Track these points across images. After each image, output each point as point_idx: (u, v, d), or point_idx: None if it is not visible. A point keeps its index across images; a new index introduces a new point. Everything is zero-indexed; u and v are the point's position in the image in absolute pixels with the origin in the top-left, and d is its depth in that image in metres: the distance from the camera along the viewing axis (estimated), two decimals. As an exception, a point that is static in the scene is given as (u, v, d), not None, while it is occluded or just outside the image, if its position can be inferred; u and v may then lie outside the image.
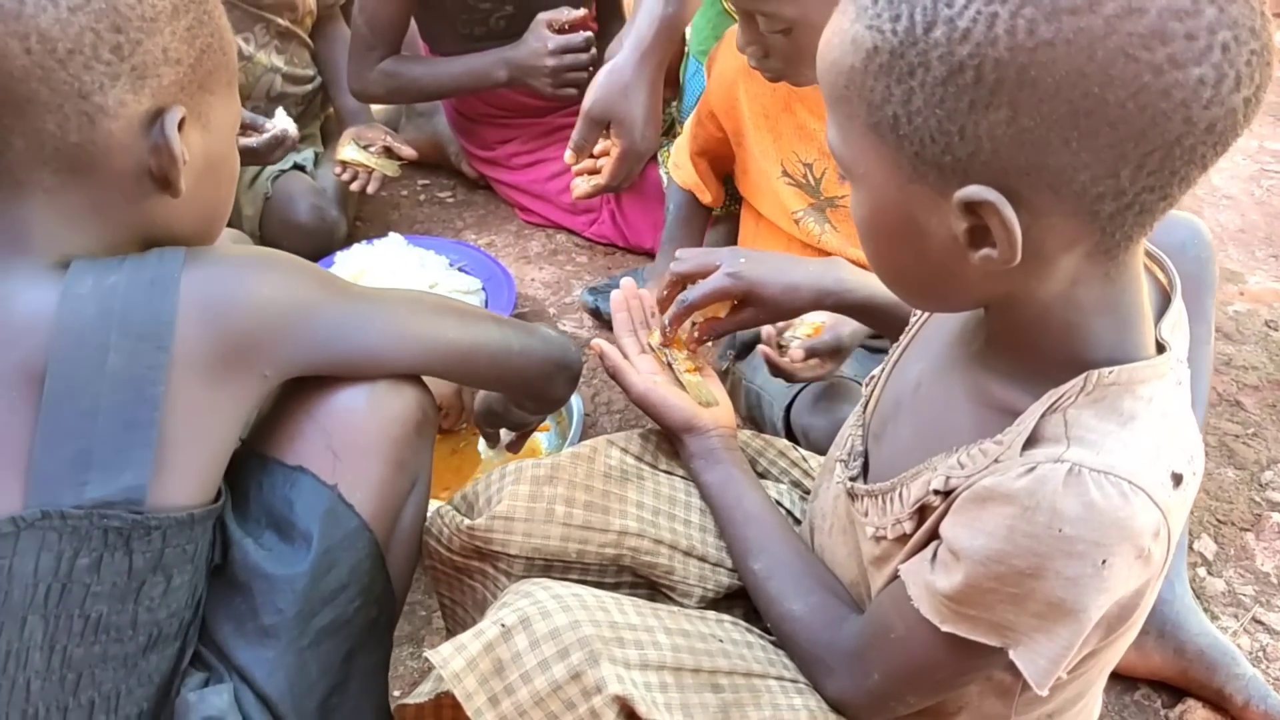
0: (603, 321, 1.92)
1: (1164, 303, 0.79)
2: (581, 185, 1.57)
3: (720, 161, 1.60)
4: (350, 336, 0.93)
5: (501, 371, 1.09)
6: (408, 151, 2.04)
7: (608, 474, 1.06)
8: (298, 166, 2.05)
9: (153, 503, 0.81)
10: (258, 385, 0.88)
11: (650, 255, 2.09)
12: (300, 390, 0.95)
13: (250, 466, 0.94)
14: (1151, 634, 1.30)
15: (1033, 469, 0.70)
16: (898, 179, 0.69)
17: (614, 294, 1.28)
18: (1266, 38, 0.62)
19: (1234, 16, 0.60)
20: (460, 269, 1.94)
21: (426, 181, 2.33)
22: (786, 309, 1.17)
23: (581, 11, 1.93)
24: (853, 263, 1.49)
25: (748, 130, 1.49)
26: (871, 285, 1.16)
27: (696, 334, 1.17)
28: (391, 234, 1.96)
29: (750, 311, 1.17)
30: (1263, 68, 0.62)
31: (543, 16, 1.92)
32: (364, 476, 0.94)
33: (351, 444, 0.93)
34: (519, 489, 1.02)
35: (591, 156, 1.59)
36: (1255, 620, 1.42)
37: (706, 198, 1.63)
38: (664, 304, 1.20)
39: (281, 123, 1.71)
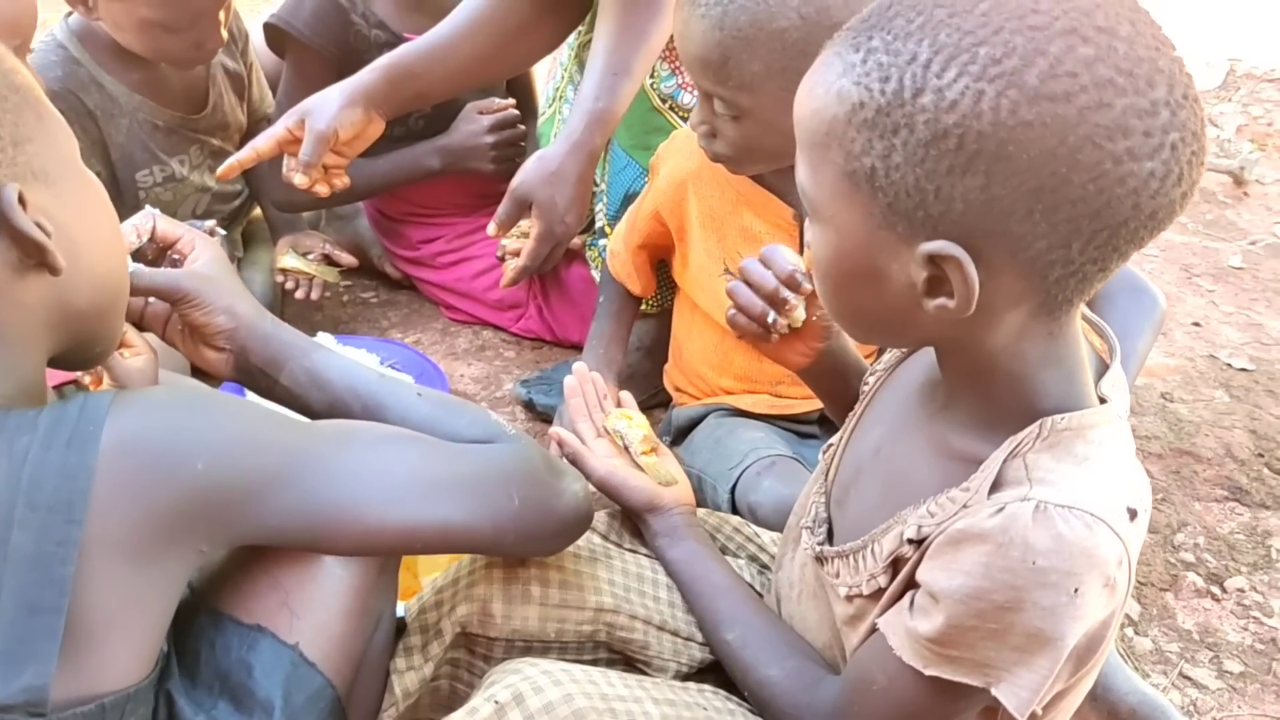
0: (535, 414, 1.94)
1: (1102, 368, 0.86)
2: (507, 271, 1.61)
3: (658, 252, 1.65)
4: (314, 517, 0.82)
5: (501, 550, 0.99)
6: (347, 259, 2.06)
7: (577, 554, 1.08)
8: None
9: (60, 697, 0.69)
10: (194, 559, 0.78)
11: (577, 349, 2.12)
12: None
13: (200, 623, 0.85)
14: (1085, 698, 1.35)
15: (1001, 509, 0.74)
16: (866, 225, 0.74)
17: (567, 380, 1.31)
18: (1204, 141, 0.70)
19: (1183, 120, 0.68)
20: (392, 366, 1.95)
21: (349, 283, 2.34)
22: None
23: (510, 101, 2.03)
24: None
25: (692, 229, 1.54)
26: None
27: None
28: (321, 334, 1.95)
29: None
30: (1198, 167, 0.70)
31: (472, 104, 2.00)
32: (325, 631, 0.86)
33: (311, 601, 0.85)
34: (493, 573, 1.03)
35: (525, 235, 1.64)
36: (1183, 675, 1.49)
37: (636, 289, 1.67)
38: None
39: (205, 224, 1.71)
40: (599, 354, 1.65)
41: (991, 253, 0.70)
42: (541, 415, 1.93)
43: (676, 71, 1.70)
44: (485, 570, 1.03)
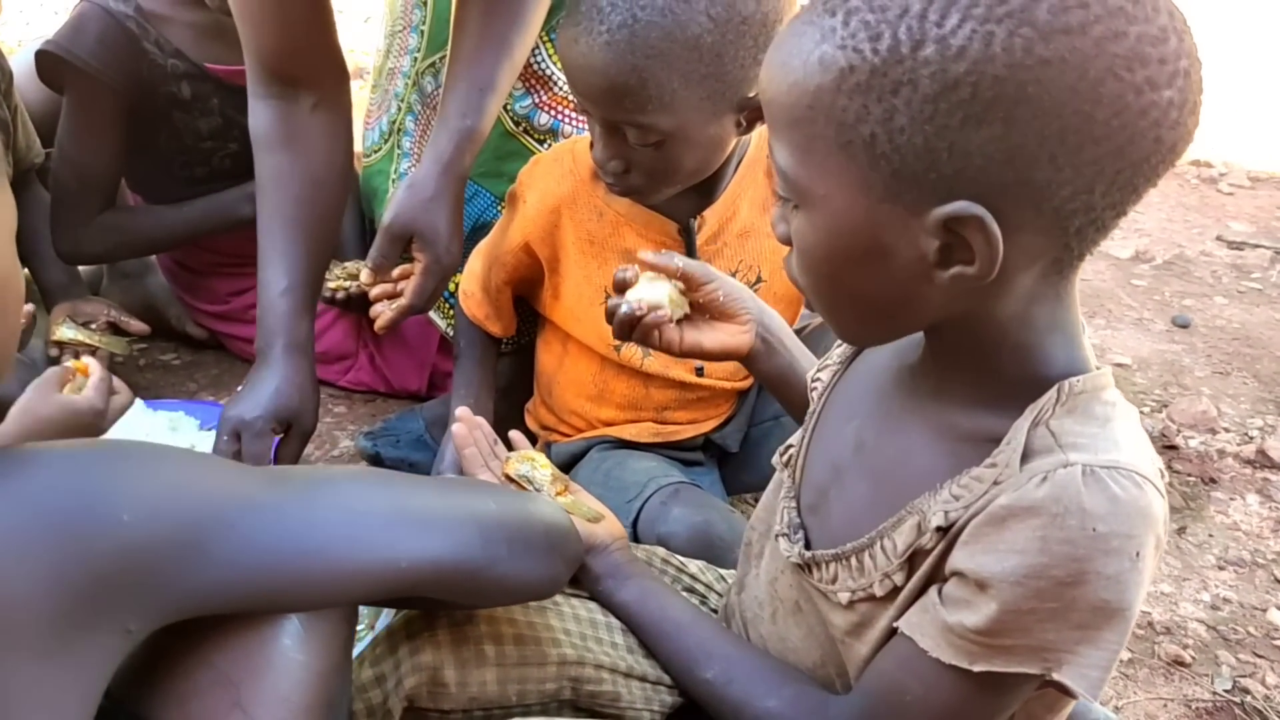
0: (384, 467, 1.78)
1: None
2: (386, 313, 1.46)
3: (522, 287, 1.55)
4: (269, 565, 0.68)
5: (482, 594, 0.83)
6: (138, 325, 1.83)
7: (525, 605, 0.96)
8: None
9: None
10: (119, 644, 0.63)
11: (414, 398, 1.99)
12: (188, 627, 0.68)
13: None
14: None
15: (1045, 478, 0.70)
16: (866, 199, 0.69)
17: (457, 429, 1.18)
18: (1201, 69, 0.68)
19: (1189, 46, 0.66)
20: (212, 430, 1.74)
21: (144, 345, 2.10)
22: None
23: None
24: (674, 382, 1.50)
25: (568, 257, 1.45)
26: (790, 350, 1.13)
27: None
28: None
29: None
30: (1201, 95, 0.68)
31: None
32: None
33: (267, 696, 0.69)
34: (439, 635, 0.90)
35: (389, 281, 1.49)
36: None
37: (496, 329, 1.57)
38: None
39: None
40: (469, 405, 1.52)
41: (1012, 208, 0.66)
42: (390, 468, 1.78)
43: (531, 91, 1.62)
44: (429, 635, 0.90)
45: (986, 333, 0.74)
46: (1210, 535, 1.84)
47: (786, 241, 0.77)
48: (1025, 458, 0.72)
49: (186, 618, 0.66)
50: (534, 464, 1.14)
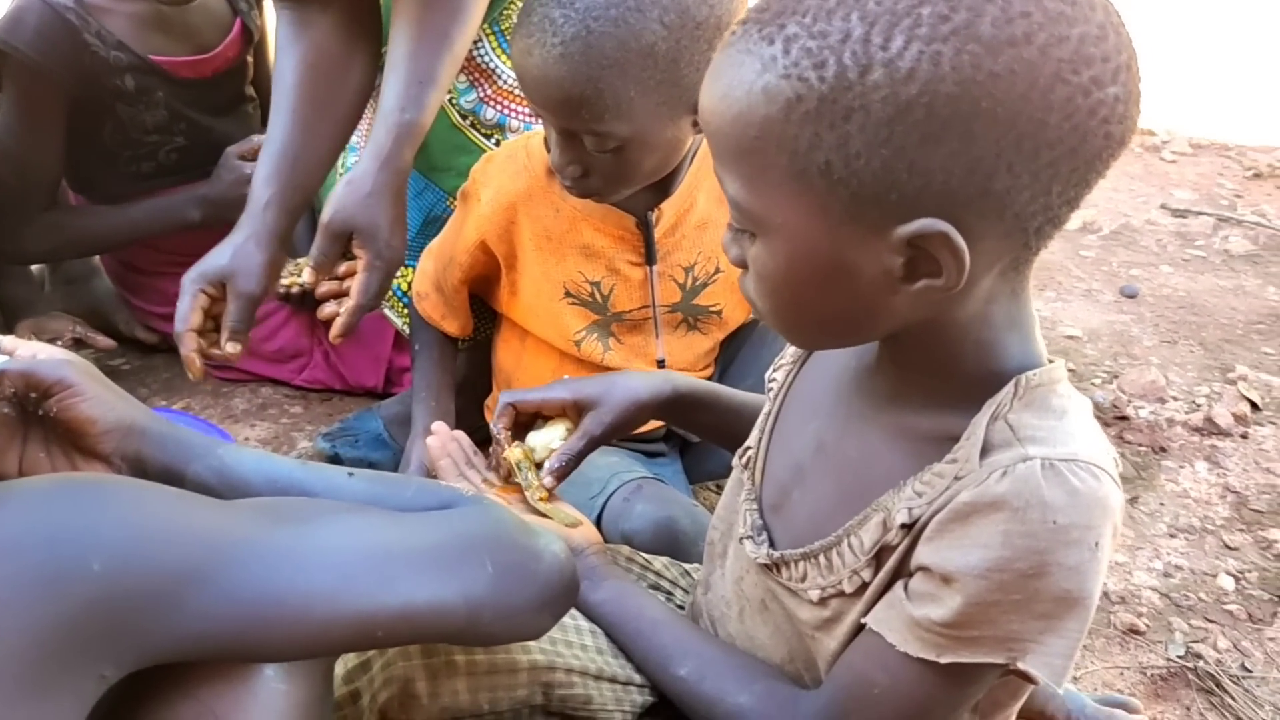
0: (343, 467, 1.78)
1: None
2: (339, 318, 1.44)
3: (479, 285, 1.54)
4: (247, 616, 0.66)
5: (478, 633, 0.79)
6: (104, 342, 1.80)
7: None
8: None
9: None
10: (94, 688, 0.62)
11: (372, 395, 1.97)
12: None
13: None
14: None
15: (1005, 473, 0.71)
16: (825, 223, 0.69)
17: (430, 442, 1.18)
18: (1138, 59, 0.69)
19: (1126, 39, 0.67)
20: (168, 437, 1.72)
21: (92, 351, 2.06)
22: (619, 399, 1.11)
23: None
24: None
25: (525, 254, 1.44)
26: (709, 384, 1.16)
27: (551, 467, 1.09)
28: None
29: (590, 417, 1.11)
30: (1140, 84, 0.69)
31: (231, 149, 1.80)
32: None
33: None
34: (409, 648, 0.90)
35: (336, 279, 1.48)
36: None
37: (453, 328, 1.56)
38: (503, 434, 1.12)
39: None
40: (431, 407, 1.53)
41: (975, 218, 0.67)
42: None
43: (475, 85, 1.60)
44: (400, 647, 0.90)
45: (947, 334, 0.75)
46: (1161, 504, 1.88)
47: (740, 264, 0.77)
48: (985, 452, 0.74)
49: (164, 663, 0.66)
50: (529, 464, 1.13)
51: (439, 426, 1.18)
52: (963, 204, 0.66)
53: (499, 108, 1.64)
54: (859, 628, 0.82)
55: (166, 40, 1.79)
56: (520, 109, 1.65)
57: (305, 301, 1.89)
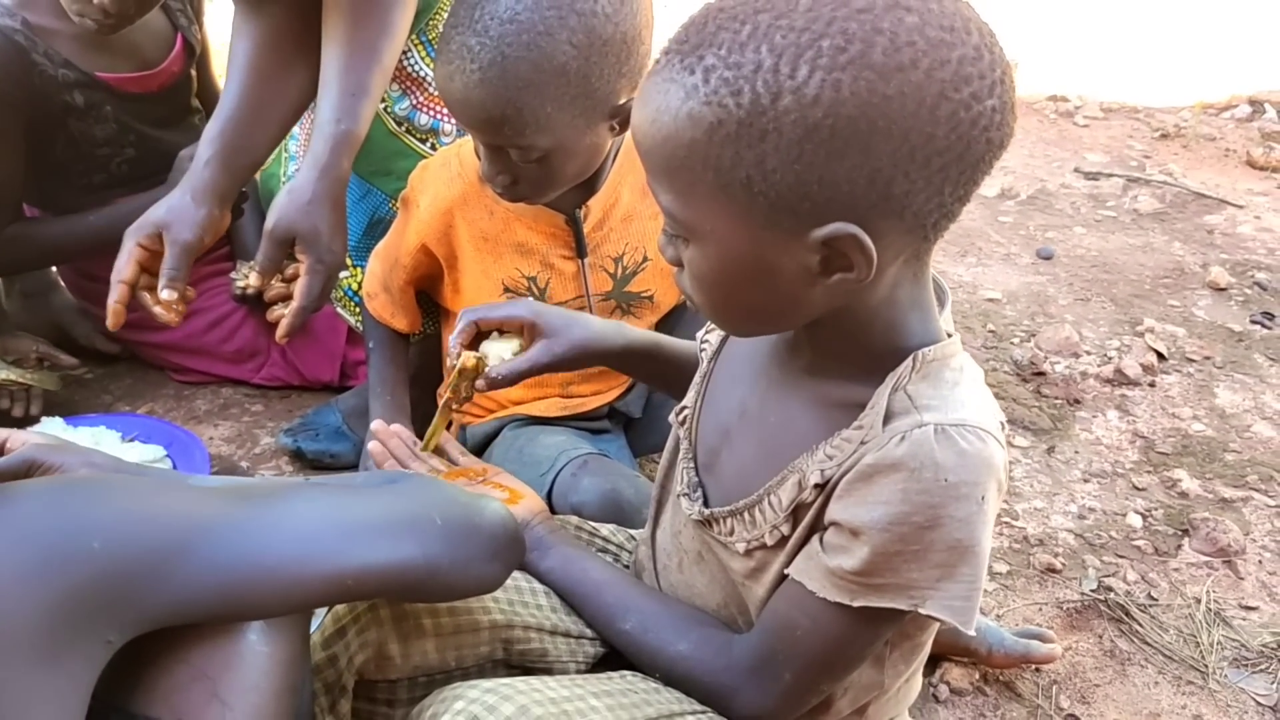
0: (306, 462, 1.85)
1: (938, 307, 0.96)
2: (284, 319, 1.51)
3: (424, 283, 1.62)
4: (229, 581, 0.76)
5: (429, 596, 0.91)
6: (69, 360, 1.84)
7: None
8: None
9: None
10: (101, 653, 0.71)
11: (330, 390, 2.05)
12: (165, 630, 0.77)
13: None
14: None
15: (904, 437, 0.81)
16: (748, 229, 0.78)
17: (371, 447, 1.28)
18: (1011, 71, 0.80)
19: (998, 55, 0.77)
20: (134, 440, 1.80)
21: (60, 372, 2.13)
22: (574, 338, 1.19)
23: None
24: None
25: (465, 255, 1.52)
26: (654, 335, 1.25)
27: (491, 376, 1.17)
28: (45, 419, 1.77)
29: (541, 344, 1.18)
30: (1014, 94, 0.79)
31: (184, 152, 1.85)
32: (259, 714, 0.78)
33: (241, 685, 0.77)
34: (380, 613, 1.00)
35: (284, 282, 1.55)
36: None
37: (403, 325, 1.64)
38: (461, 345, 1.20)
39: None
40: (386, 402, 1.61)
41: (879, 219, 0.76)
42: (314, 464, 1.85)
43: (408, 93, 1.68)
44: (372, 614, 0.99)
45: (858, 317, 0.85)
46: (1076, 452, 2.02)
47: (676, 263, 0.86)
48: (887, 419, 0.84)
49: (161, 627, 0.75)
50: (477, 373, 1.20)
51: (377, 426, 1.27)
52: (867, 208, 0.76)
53: (431, 113, 1.72)
54: (782, 577, 0.92)
55: (111, 58, 1.84)
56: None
57: (259, 303, 1.97)
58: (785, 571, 0.92)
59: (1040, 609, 1.64)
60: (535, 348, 1.18)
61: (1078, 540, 1.79)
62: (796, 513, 0.90)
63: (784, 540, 0.92)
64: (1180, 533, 1.81)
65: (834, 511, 0.86)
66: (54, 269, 2.16)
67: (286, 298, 1.59)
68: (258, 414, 2.03)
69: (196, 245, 1.49)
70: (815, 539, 0.89)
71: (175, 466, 1.75)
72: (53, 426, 1.76)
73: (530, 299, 1.23)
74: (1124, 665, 1.54)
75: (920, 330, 0.87)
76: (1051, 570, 1.71)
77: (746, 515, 0.94)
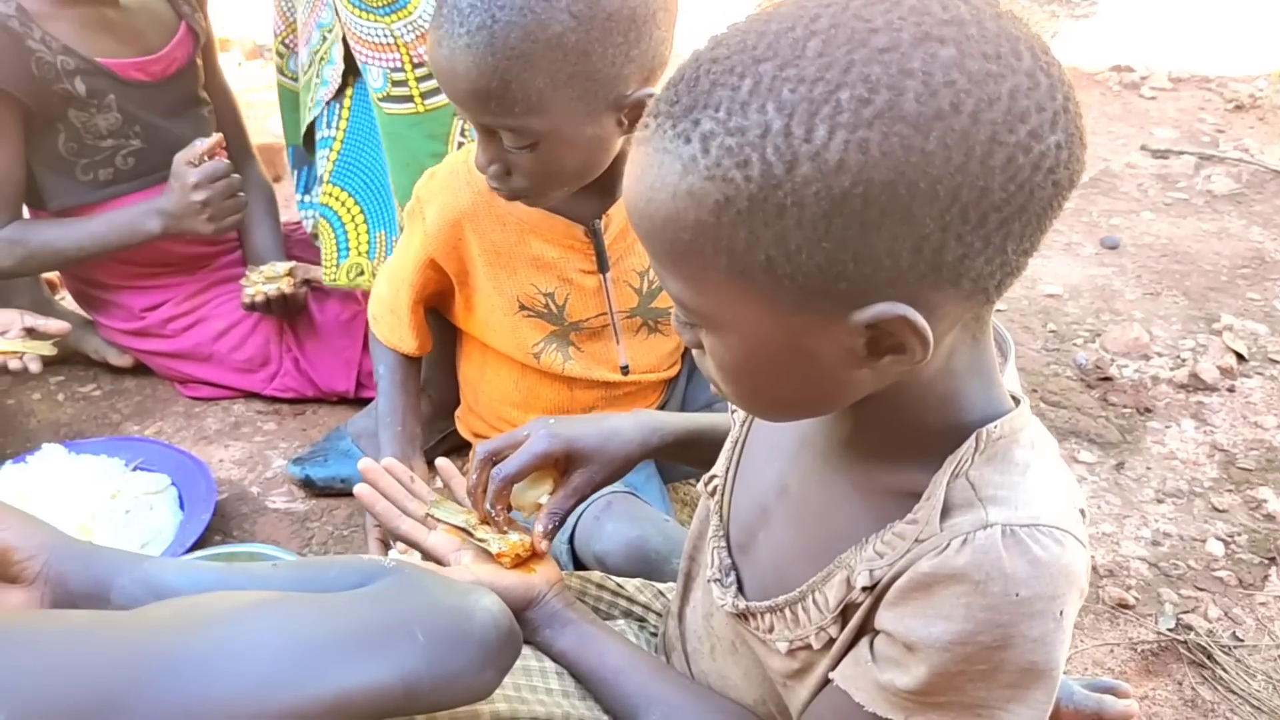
0: (316, 491, 1.76)
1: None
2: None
3: (434, 302, 1.51)
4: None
5: (420, 705, 0.76)
6: (57, 325, 1.75)
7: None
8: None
9: None
10: None
11: (347, 403, 1.95)
12: None
13: None
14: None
15: (965, 540, 0.69)
16: (776, 314, 0.65)
17: (359, 491, 1.14)
18: (1074, 91, 0.65)
19: (1057, 76, 0.63)
20: (139, 467, 1.71)
21: (61, 378, 2.03)
22: (612, 456, 1.09)
23: (215, 136, 1.80)
24: (598, 383, 1.48)
25: (476, 270, 1.41)
26: (687, 417, 1.14)
27: (542, 528, 1.06)
28: (46, 445, 1.69)
29: (580, 474, 1.08)
30: (1082, 119, 0.65)
31: (179, 156, 1.76)
32: None
33: None
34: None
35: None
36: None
37: (413, 349, 1.53)
38: (479, 489, 1.08)
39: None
40: (396, 432, 1.50)
41: (930, 292, 0.63)
42: (325, 491, 1.75)
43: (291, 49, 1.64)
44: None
45: (911, 392, 0.73)
46: (1148, 468, 1.86)
47: (696, 346, 0.74)
48: (945, 512, 0.71)
49: None
50: (465, 512, 1.11)
51: (365, 466, 1.14)
52: (916, 281, 0.63)
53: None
54: (828, 680, 0.80)
55: (112, 42, 1.77)
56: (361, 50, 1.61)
57: (272, 308, 1.88)
58: (830, 675, 0.79)
59: (1112, 651, 1.50)
60: (575, 478, 1.08)
61: (1152, 571, 1.64)
62: (845, 612, 0.78)
63: (830, 642, 0.80)
64: (1267, 561, 1.66)
65: (885, 620, 0.74)
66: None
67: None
68: (270, 434, 1.93)
69: None
70: (864, 643, 0.77)
71: (180, 495, 1.67)
72: (54, 454, 1.68)
73: (543, 417, 1.11)
74: (1206, 717, 1.41)
75: (982, 401, 0.74)
76: (1124, 606, 1.57)
77: (788, 613, 0.82)
